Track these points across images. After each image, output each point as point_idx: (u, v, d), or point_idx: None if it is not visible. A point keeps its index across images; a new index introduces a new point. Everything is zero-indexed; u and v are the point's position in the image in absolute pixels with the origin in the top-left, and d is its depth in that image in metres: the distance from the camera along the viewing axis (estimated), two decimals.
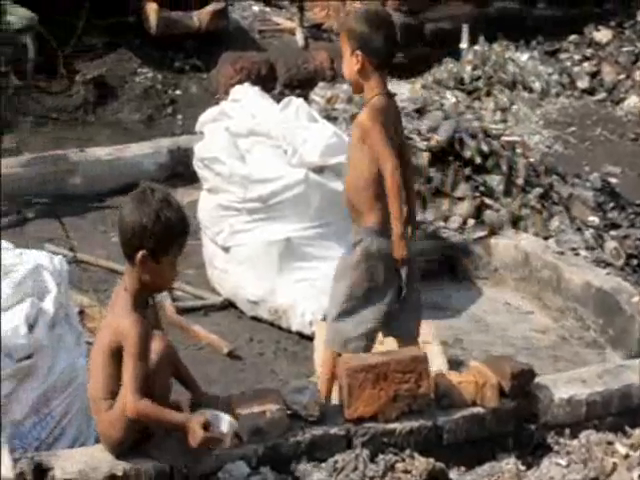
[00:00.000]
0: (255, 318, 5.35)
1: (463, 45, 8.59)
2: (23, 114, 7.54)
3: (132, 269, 3.37)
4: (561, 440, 3.94)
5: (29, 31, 7.75)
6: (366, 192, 4.16)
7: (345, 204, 4.28)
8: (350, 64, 4.17)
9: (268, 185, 5.30)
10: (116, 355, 3.35)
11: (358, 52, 4.13)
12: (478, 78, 8.16)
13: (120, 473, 3.41)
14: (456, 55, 8.52)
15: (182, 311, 5.32)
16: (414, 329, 4.31)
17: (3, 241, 4.28)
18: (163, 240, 3.32)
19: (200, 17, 8.57)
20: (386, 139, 4.09)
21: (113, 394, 3.36)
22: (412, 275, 4.21)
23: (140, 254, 3.31)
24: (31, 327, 3.84)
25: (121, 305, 3.37)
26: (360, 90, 4.24)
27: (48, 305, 3.94)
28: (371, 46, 4.12)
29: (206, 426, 3.32)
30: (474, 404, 3.92)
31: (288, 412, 3.69)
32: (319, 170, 5.35)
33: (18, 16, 7.73)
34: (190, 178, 6.26)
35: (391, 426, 3.77)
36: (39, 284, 4.00)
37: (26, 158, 6.89)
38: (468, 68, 8.17)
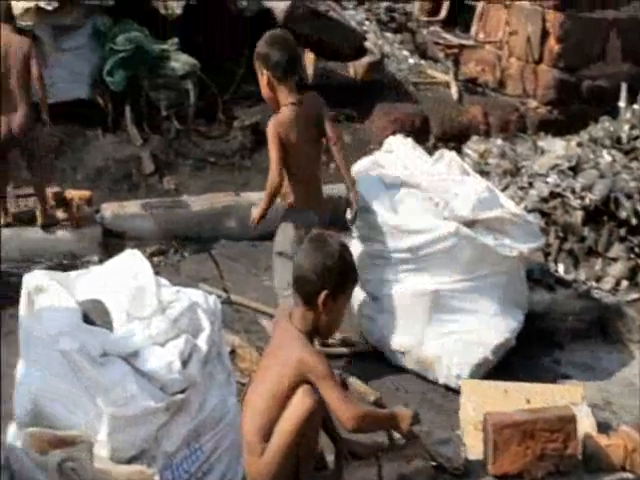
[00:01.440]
0: (401, 368, 5.38)
1: (621, 104, 8.48)
2: (183, 157, 7.77)
3: (307, 311, 3.48)
4: None
5: (191, 77, 8.00)
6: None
7: None
8: (262, 83, 5.06)
9: (418, 236, 5.33)
10: (290, 391, 3.41)
11: (263, 70, 5.01)
12: (636, 137, 8.02)
13: None
14: (614, 113, 8.41)
15: (329, 357, 5.37)
16: None
17: (161, 278, 4.43)
18: (343, 279, 3.48)
19: (356, 68, 8.69)
20: (277, 149, 4.99)
21: (268, 438, 3.44)
22: None
23: (324, 294, 3.44)
24: (185, 363, 3.95)
25: (293, 343, 3.46)
26: (277, 106, 5.07)
27: (202, 342, 4.04)
28: (272, 62, 4.99)
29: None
30: (623, 469, 3.84)
31: (432, 463, 3.70)
32: (470, 224, 5.36)
33: (181, 63, 8.00)
34: (342, 226, 6.35)
35: None
36: (194, 322, 4.10)
37: (185, 199, 7.13)
38: (626, 127, 8.03)
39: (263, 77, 5.06)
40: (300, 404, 3.40)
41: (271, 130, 5.06)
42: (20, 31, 6.60)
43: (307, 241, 3.58)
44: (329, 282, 3.46)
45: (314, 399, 3.44)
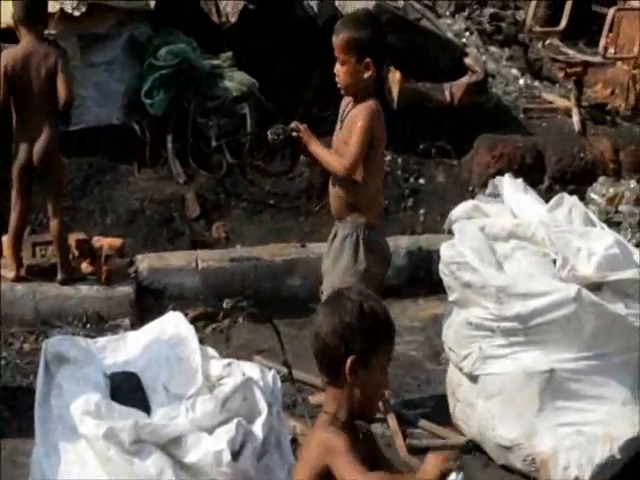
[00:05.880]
0: (506, 467, 5.37)
1: None
2: (236, 198, 7.87)
3: (336, 390, 3.49)
4: None
5: (248, 100, 8.11)
6: None
7: None
8: (342, 72, 5.37)
9: (530, 301, 5.34)
10: None
11: (368, 60, 5.30)
12: None
13: None
14: None
15: (416, 451, 5.40)
16: None
17: (208, 348, 4.49)
18: (371, 336, 3.43)
19: (453, 90, 8.73)
20: (366, 144, 5.35)
21: None
22: None
23: (350, 360, 3.41)
24: (236, 454, 4.00)
25: (313, 431, 3.47)
26: (358, 98, 5.42)
27: (257, 429, 4.09)
28: (371, 44, 5.32)
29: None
30: None
31: None
32: (595, 287, 5.36)
33: (236, 82, 8.12)
34: (433, 286, 6.37)
35: None
36: (248, 403, 4.16)
37: (238, 251, 7.22)
38: None
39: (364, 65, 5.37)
40: None
41: (370, 117, 5.38)
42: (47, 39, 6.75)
43: (323, 302, 3.59)
44: (353, 343, 3.42)
45: None
